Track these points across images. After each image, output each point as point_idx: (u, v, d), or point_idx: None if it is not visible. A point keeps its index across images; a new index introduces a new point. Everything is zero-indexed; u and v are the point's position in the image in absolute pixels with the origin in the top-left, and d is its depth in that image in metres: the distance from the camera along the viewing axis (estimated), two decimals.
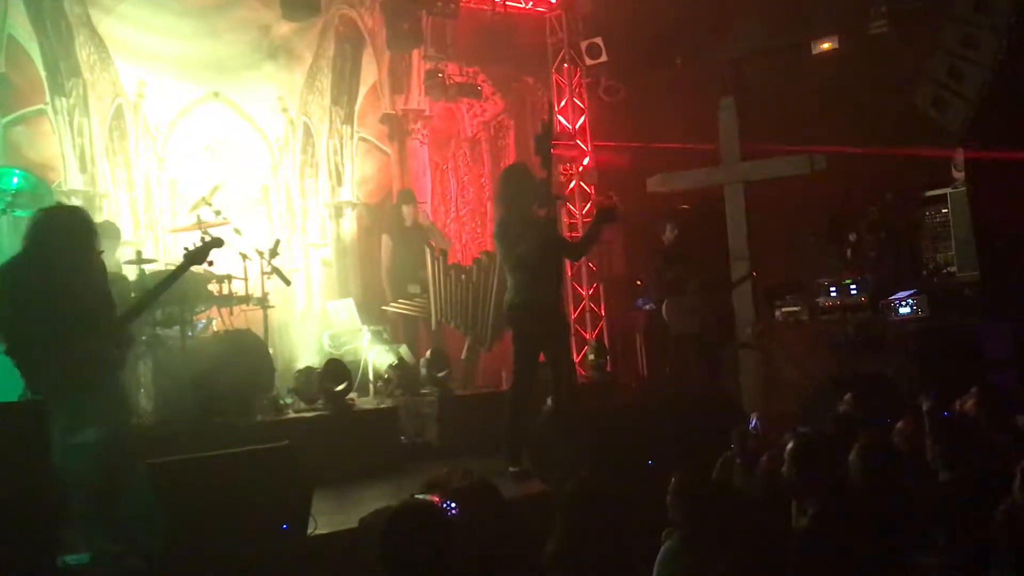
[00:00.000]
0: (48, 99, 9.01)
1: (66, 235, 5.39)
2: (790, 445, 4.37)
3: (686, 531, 4.05)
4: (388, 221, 10.59)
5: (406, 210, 10.34)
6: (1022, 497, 3.83)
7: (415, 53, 11.16)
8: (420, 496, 3.88)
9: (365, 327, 9.59)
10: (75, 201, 8.95)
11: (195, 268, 7.44)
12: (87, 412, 5.17)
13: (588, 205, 11.67)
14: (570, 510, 3.94)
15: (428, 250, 9.90)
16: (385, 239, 10.37)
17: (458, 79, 11.19)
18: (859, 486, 4.30)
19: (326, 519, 5.38)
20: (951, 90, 9.09)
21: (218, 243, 6.16)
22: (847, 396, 6.43)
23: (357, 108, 11.04)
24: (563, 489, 4.11)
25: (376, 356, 9.41)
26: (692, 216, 11.52)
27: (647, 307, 11.50)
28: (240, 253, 8.58)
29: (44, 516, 4.63)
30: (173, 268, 6.05)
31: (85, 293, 5.41)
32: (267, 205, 10.40)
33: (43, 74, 8.98)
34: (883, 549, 3.89)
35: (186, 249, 5.99)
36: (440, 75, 10.87)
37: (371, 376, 9.31)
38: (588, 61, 11.64)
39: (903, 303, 8.94)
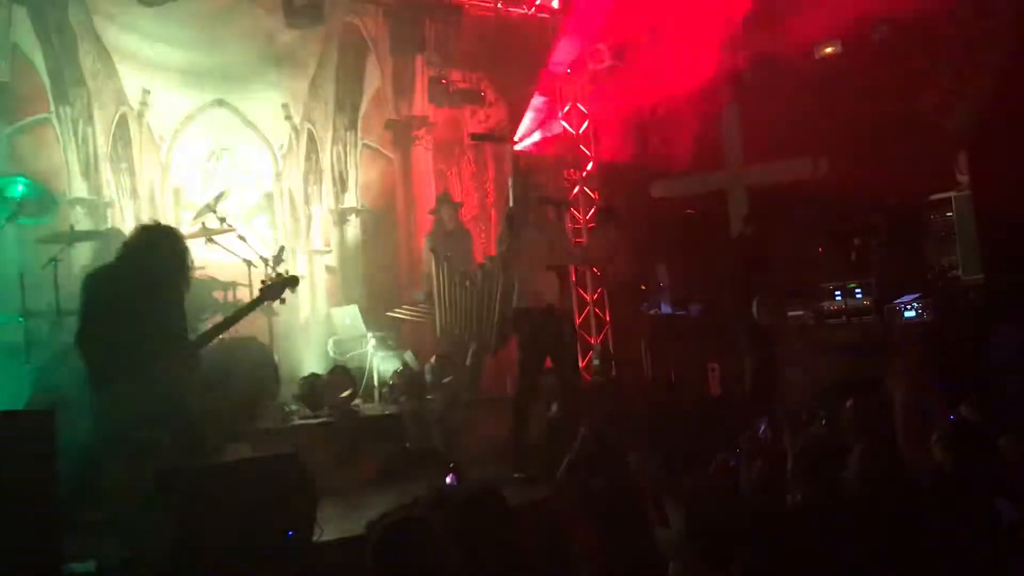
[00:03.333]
0: (52, 108, 9.02)
1: (156, 254, 5.50)
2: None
3: (703, 542, 4.02)
4: (428, 225, 10.80)
5: (446, 213, 10.41)
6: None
7: (418, 60, 11.18)
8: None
9: (370, 333, 9.60)
10: (80, 209, 8.99)
11: (200, 275, 7.52)
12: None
13: (592, 210, 11.64)
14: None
15: (433, 256, 9.92)
16: (425, 241, 10.50)
17: (461, 85, 11.20)
18: (858, 492, 4.31)
19: (332, 526, 5.38)
20: (955, 94, 9.09)
21: (294, 282, 6.31)
22: (848, 403, 6.43)
23: (361, 115, 11.06)
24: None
25: (381, 362, 9.42)
26: (697, 221, 11.55)
27: (652, 311, 11.50)
28: (244, 260, 8.60)
29: (49, 524, 4.64)
30: (248, 301, 6.23)
31: (163, 314, 5.55)
32: (271, 212, 10.40)
33: (47, 83, 8.99)
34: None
35: (263, 283, 6.18)
36: (443, 81, 10.88)
37: (376, 382, 9.31)
38: (591, 67, 11.63)
39: (908, 307, 8.93)
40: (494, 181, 11.91)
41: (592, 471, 5.74)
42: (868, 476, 4.33)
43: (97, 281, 5.58)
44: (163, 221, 9.36)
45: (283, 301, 6.34)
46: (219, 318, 8.30)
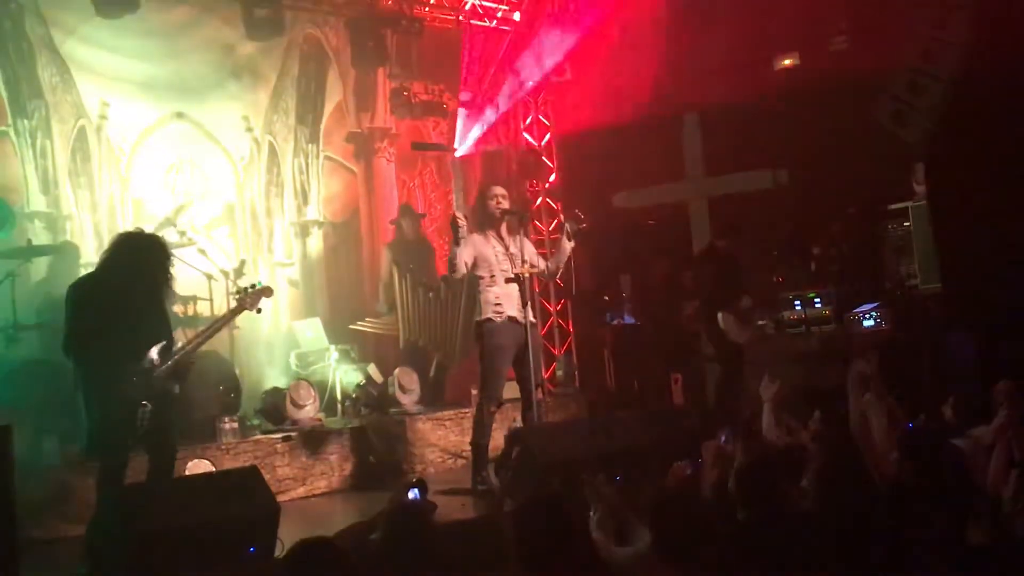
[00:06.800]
0: (10, 121, 8.92)
1: (139, 261, 5.60)
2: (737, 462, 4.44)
3: (665, 544, 4.01)
4: (389, 236, 10.81)
5: (407, 224, 10.43)
6: (1012, 507, 3.85)
7: (380, 71, 11.16)
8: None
9: (332, 346, 9.56)
10: (38, 223, 8.89)
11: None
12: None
13: (554, 222, 11.70)
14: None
15: (395, 268, 9.92)
16: (384, 252, 10.47)
17: (424, 97, 11.17)
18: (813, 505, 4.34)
19: (294, 541, 5.34)
20: (911, 105, 9.21)
21: (268, 292, 6.43)
22: (816, 414, 6.48)
23: (322, 127, 11.00)
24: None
25: (344, 375, 9.39)
26: (657, 231, 11.63)
27: (615, 322, 11.56)
28: (205, 274, 8.56)
29: (8, 541, 4.58)
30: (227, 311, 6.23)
31: (148, 318, 5.64)
32: (232, 225, 10.32)
33: (4, 96, 8.89)
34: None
35: (239, 291, 6.33)
36: (406, 93, 10.86)
37: (339, 395, 9.28)
38: (553, 79, 11.68)
39: (867, 316, 9.03)
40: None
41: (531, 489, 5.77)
42: (825, 487, 4.34)
43: (82, 288, 5.63)
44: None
45: (259, 311, 6.38)
46: (179, 332, 8.29)
